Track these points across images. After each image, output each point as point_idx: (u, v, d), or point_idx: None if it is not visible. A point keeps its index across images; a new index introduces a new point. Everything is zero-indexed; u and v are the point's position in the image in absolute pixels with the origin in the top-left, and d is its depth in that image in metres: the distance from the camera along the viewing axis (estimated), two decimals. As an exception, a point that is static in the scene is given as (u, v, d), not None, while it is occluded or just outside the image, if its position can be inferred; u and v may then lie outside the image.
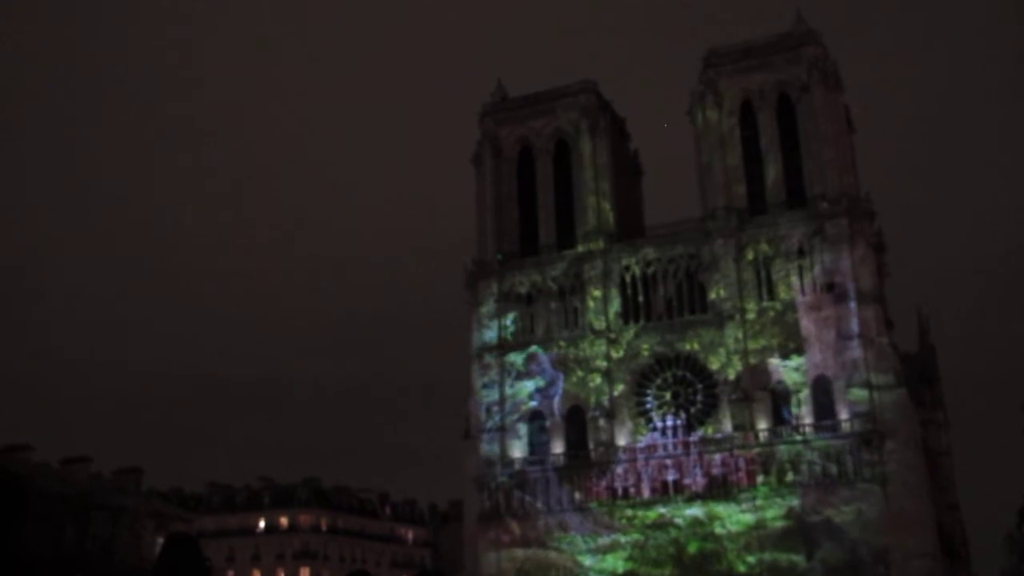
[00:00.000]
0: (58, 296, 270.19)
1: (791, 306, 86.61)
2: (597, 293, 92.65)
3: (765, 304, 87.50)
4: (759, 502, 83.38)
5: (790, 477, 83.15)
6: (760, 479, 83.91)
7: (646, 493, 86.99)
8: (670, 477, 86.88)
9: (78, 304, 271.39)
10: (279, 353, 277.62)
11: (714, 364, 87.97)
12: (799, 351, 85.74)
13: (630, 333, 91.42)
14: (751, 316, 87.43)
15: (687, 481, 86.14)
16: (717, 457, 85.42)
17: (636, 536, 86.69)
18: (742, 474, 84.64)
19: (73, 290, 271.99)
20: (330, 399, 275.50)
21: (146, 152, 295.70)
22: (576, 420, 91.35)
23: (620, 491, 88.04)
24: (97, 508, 71.64)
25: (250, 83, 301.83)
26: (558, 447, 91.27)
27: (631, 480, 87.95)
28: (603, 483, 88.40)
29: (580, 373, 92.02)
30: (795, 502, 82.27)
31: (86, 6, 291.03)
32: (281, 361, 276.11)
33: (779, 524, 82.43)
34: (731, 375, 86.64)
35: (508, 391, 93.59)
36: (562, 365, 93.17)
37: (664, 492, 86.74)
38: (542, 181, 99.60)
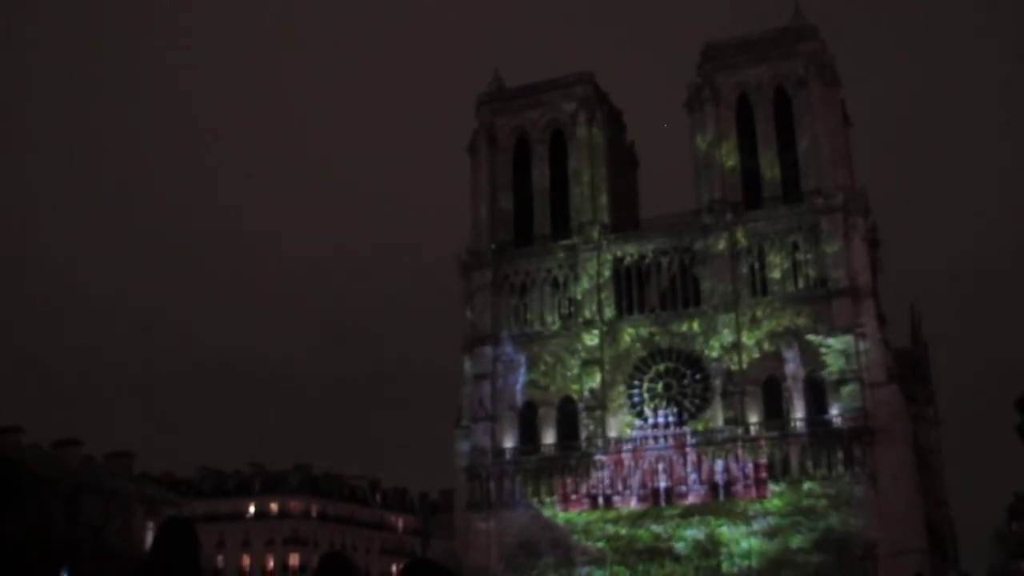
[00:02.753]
0: (56, 285, 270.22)
1: (789, 299, 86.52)
2: (591, 284, 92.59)
3: (759, 298, 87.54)
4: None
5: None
6: (772, 488, 78.95)
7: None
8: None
9: (74, 292, 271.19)
10: (272, 341, 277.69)
11: (707, 357, 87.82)
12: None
13: (623, 324, 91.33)
14: (744, 309, 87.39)
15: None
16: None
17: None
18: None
19: (70, 280, 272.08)
20: (322, 386, 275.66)
21: (146, 152, 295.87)
22: (567, 413, 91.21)
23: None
24: (88, 492, 71.50)
25: (250, 84, 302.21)
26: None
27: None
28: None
29: (568, 363, 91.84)
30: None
31: (86, 6, 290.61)
32: (274, 349, 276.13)
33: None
34: (734, 366, 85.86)
35: (500, 380, 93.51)
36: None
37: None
38: (537, 171, 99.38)
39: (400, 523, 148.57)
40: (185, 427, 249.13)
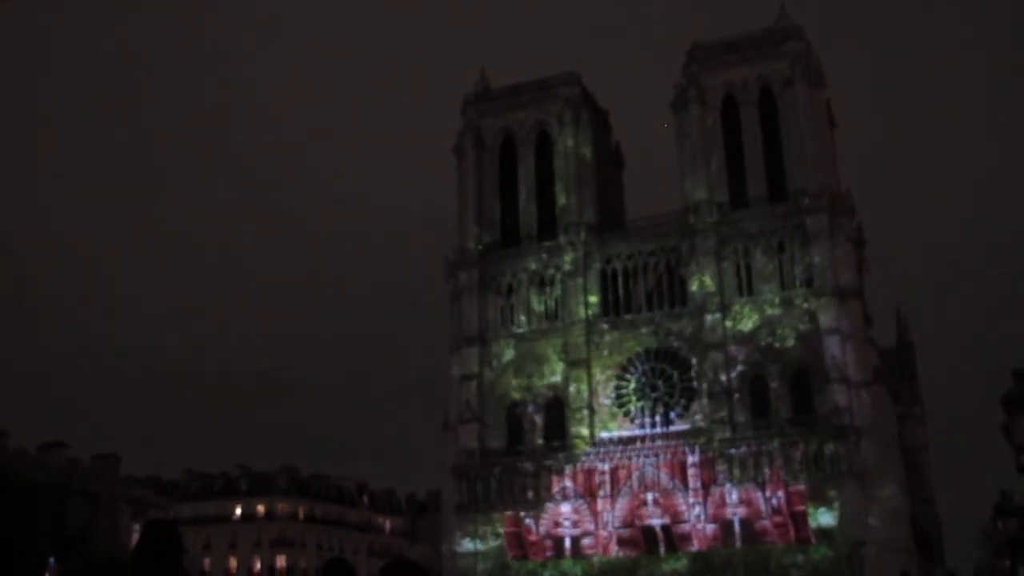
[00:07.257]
0: (42, 284, 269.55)
1: (775, 299, 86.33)
2: (577, 285, 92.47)
3: (745, 298, 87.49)
4: None
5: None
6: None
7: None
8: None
9: (60, 291, 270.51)
10: (258, 342, 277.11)
11: (695, 358, 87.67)
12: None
13: (610, 325, 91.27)
14: (730, 308, 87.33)
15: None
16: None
17: None
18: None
19: (57, 277, 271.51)
20: (309, 387, 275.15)
21: (145, 153, 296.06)
22: (554, 415, 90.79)
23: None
24: (74, 494, 71.26)
25: (250, 86, 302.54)
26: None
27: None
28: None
29: (555, 365, 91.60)
30: None
31: (87, 4, 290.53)
32: (260, 349, 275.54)
33: None
34: (714, 369, 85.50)
35: (487, 382, 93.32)
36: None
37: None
38: (524, 172, 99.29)
39: (388, 524, 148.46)
40: (171, 428, 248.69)
